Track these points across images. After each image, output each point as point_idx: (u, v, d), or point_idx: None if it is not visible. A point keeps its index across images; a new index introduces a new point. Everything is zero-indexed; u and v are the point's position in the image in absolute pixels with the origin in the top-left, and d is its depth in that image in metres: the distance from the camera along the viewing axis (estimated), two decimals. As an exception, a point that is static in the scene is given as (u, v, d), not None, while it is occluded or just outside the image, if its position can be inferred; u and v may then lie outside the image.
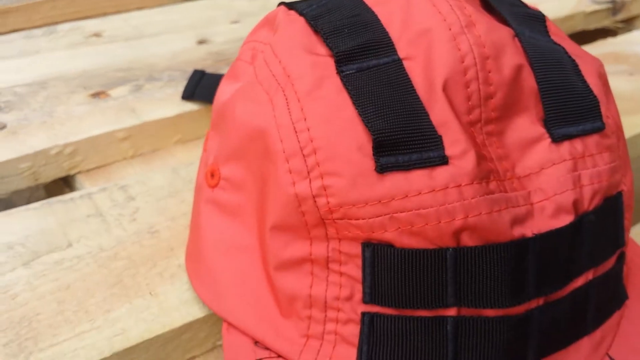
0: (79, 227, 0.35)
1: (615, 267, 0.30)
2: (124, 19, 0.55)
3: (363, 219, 0.25)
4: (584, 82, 0.29)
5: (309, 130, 0.26)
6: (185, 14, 0.56)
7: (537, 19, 0.31)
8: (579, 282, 0.28)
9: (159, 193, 0.38)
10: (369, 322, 0.26)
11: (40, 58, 0.49)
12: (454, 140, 0.26)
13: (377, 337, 0.26)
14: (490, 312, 0.26)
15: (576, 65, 0.29)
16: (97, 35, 0.53)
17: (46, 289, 0.31)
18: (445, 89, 0.26)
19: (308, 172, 0.26)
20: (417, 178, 0.25)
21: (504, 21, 0.29)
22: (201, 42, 0.52)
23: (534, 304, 0.26)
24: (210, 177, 0.31)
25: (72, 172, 0.42)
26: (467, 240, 0.25)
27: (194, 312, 0.31)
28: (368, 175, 0.25)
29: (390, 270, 0.26)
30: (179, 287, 0.32)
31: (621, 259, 0.30)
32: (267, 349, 0.28)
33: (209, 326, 0.31)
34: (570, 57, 0.29)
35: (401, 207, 0.25)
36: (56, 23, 0.54)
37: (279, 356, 0.28)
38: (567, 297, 0.27)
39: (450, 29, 0.27)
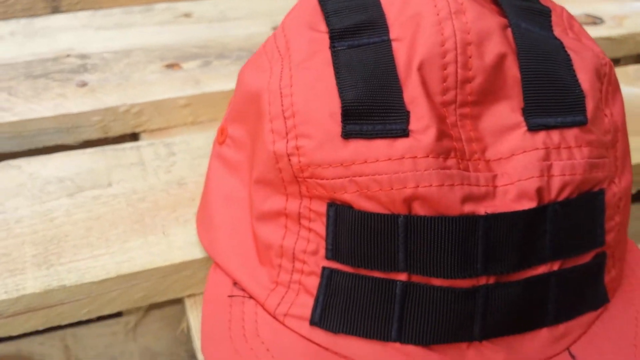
0: (122, 171, 0.40)
1: (590, 265, 0.30)
2: (214, 4, 0.61)
3: (327, 180, 0.28)
4: (574, 76, 0.29)
5: (292, 95, 0.29)
6: (267, 2, 0.60)
7: (542, 13, 0.31)
8: (540, 270, 0.28)
9: (197, 152, 0.42)
10: (327, 277, 0.29)
11: (132, 31, 0.56)
12: (420, 116, 0.27)
13: (332, 290, 0.29)
14: (437, 282, 0.28)
15: (569, 60, 0.30)
16: (186, 15, 0.59)
17: (80, 217, 0.37)
18: (420, 68, 0.28)
19: (286, 133, 0.29)
20: (378, 146, 0.27)
21: (502, 13, 0.30)
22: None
23: (482, 280, 0.28)
24: (220, 134, 0.35)
25: (137, 130, 0.48)
26: (419, 210, 0.27)
27: (196, 253, 0.35)
28: (334, 140, 0.28)
29: (349, 231, 0.28)
30: (189, 231, 0.36)
31: (600, 258, 0.30)
32: (242, 290, 0.32)
33: (208, 268, 0.35)
34: (565, 51, 0.30)
35: (360, 171, 0.27)
36: (155, 2, 0.61)
37: (250, 297, 0.31)
38: (521, 282, 0.28)
39: (438, 14, 0.29)
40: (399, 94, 0.28)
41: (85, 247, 0.35)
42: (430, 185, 0.27)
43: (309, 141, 0.28)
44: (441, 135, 0.27)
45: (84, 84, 0.48)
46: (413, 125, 0.27)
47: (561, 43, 0.30)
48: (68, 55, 0.51)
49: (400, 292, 0.28)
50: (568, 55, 0.30)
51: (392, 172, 0.27)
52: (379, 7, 0.31)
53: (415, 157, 0.27)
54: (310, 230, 0.29)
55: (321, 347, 0.29)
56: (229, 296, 0.31)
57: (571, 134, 0.29)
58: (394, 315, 0.28)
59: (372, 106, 0.27)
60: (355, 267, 0.28)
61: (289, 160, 0.29)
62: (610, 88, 0.31)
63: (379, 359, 0.28)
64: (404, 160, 0.27)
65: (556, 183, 0.28)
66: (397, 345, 0.28)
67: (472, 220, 0.27)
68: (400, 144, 0.27)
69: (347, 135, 0.27)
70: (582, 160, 0.29)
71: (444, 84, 0.28)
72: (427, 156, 0.27)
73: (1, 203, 0.37)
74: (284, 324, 0.30)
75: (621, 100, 0.32)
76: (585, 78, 0.29)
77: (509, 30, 0.29)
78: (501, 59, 0.29)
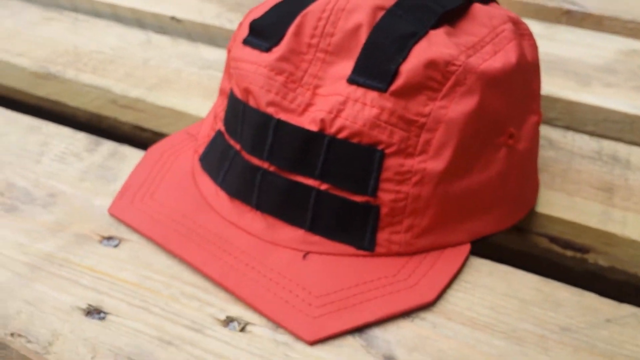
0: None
1: (356, 206, 0.37)
2: None
3: (231, 70, 0.42)
4: (402, 57, 0.36)
5: (248, 15, 0.44)
6: None
7: (432, 12, 0.38)
8: (308, 181, 0.38)
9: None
10: (215, 135, 0.44)
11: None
12: (282, 43, 0.39)
13: (213, 143, 0.44)
14: (245, 155, 0.40)
15: (408, 46, 0.36)
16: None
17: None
18: (304, 15, 0.39)
19: (235, 37, 0.44)
20: (250, 53, 0.40)
21: (396, 1, 0.39)
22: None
23: (265, 165, 0.39)
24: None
25: None
26: (250, 101, 0.40)
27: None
28: (239, 43, 0.42)
29: (227, 107, 0.42)
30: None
31: (369, 207, 0.37)
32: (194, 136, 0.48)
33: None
34: (414, 39, 0.37)
35: (237, 67, 0.41)
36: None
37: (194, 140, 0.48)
38: (290, 180, 0.38)
39: None
40: (285, 27, 0.40)
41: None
42: (255, 86, 0.39)
43: (234, 43, 0.43)
44: (282, 59, 0.39)
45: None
46: (275, 48, 0.39)
47: (414, 33, 0.37)
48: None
49: (231, 155, 0.41)
50: (414, 42, 0.36)
51: (245, 71, 0.40)
52: None
53: (259, 65, 0.39)
54: (223, 103, 0.44)
55: (191, 180, 0.44)
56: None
57: (371, 95, 0.36)
58: (224, 169, 0.41)
59: (264, 29, 0.41)
60: (225, 132, 0.43)
61: (228, 53, 0.44)
62: (458, 89, 0.36)
63: (210, 188, 0.42)
64: (252, 65, 0.40)
65: (338, 123, 0.37)
66: (219, 188, 0.42)
67: (267, 118, 0.38)
68: (259, 55, 0.40)
69: (244, 42, 0.41)
70: (367, 117, 0.36)
71: (314, 31, 0.39)
72: (265, 67, 0.39)
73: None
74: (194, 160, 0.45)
75: (473, 108, 0.36)
76: (413, 63, 0.36)
77: (381, 12, 0.38)
78: (358, 27, 0.38)
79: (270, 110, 0.38)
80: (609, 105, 0.55)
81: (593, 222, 0.43)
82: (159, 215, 0.41)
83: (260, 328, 0.34)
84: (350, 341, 0.34)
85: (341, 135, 0.37)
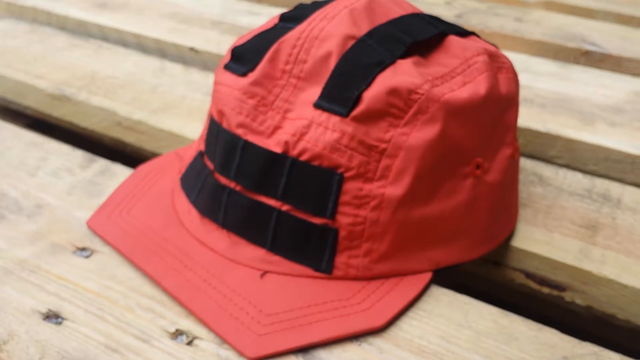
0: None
1: (315, 228, 0.37)
2: None
3: (213, 93, 0.44)
4: (366, 84, 0.37)
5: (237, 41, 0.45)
6: None
7: (401, 42, 0.39)
8: (270, 202, 0.38)
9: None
10: (196, 155, 0.45)
11: None
12: (257, 69, 0.41)
13: (193, 163, 0.45)
14: (215, 174, 0.41)
15: (373, 74, 0.37)
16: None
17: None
18: (281, 43, 0.40)
19: (221, 63, 0.45)
20: (229, 77, 0.42)
21: (366, 31, 0.39)
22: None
23: (232, 184, 0.40)
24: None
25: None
26: (224, 122, 0.41)
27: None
28: (221, 68, 0.43)
29: (207, 128, 0.44)
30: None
31: (328, 230, 0.37)
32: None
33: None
34: (380, 68, 0.37)
35: (215, 89, 0.43)
36: None
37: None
38: (253, 200, 0.39)
39: (324, 16, 0.40)
40: (262, 54, 0.41)
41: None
42: (228, 107, 0.40)
43: (219, 68, 0.44)
44: (255, 83, 0.40)
45: None
46: (250, 73, 0.41)
47: (381, 62, 0.37)
48: None
49: (205, 174, 0.42)
50: (379, 71, 0.37)
51: (221, 93, 0.41)
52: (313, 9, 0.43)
53: (233, 88, 0.41)
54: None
55: (169, 198, 0.45)
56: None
57: (333, 119, 0.37)
58: (198, 187, 0.43)
59: (243, 55, 0.42)
60: (204, 153, 0.44)
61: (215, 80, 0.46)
62: (420, 116, 0.37)
63: (184, 206, 0.43)
64: (227, 88, 0.41)
65: (300, 145, 0.37)
66: (192, 206, 0.43)
67: (235, 138, 0.39)
68: (235, 79, 0.41)
69: (225, 66, 0.43)
70: (328, 140, 0.37)
71: (288, 57, 0.40)
72: (238, 90, 0.40)
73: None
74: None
75: (434, 137, 0.36)
76: (375, 90, 0.36)
77: (352, 41, 0.39)
78: (328, 55, 0.39)
79: (240, 131, 0.39)
80: (610, 144, 0.54)
81: (569, 259, 0.42)
82: (131, 229, 0.42)
83: (206, 343, 0.35)
84: (291, 359, 0.34)
85: (303, 158, 0.37)
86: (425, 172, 0.37)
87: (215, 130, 0.42)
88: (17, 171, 0.49)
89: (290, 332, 0.35)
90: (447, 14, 0.85)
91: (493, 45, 0.44)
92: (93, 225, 0.43)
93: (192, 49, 0.71)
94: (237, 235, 0.40)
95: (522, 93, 0.63)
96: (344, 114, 0.37)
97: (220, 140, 0.41)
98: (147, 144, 0.57)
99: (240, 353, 0.34)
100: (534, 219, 0.45)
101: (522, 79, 0.67)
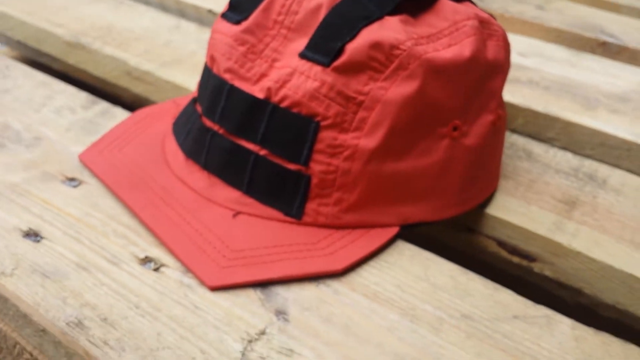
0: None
1: (289, 173, 0.39)
2: None
3: (209, 40, 0.45)
4: (350, 36, 0.38)
5: None
6: None
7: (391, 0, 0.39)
8: (249, 146, 0.40)
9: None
10: (190, 101, 0.47)
11: None
12: (250, 18, 0.42)
13: (186, 108, 0.46)
14: (202, 117, 0.42)
15: (358, 27, 0.38)
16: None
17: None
18: None
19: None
20: (222, 25, 0.43)
21: None
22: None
23: (216, 127, 0.41)
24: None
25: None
26: (214, 67, 0.42)
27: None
28: (219, 17, 0.45)
29: (201, 75, 0.45)
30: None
31: (301, 176, 0.38)
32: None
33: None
34: (366, 22, 0.38)
35: (211, 36, 0.44)
36: None
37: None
38: (234, 143, 0.40)
39: None
40: (257, 4, 0.42)
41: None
42: (219, 53, 0.42)
43: (217, 17, 0.46)
44: (246, 31, 0.41)
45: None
46: (244, 21, 0.42)
47: (370, 17, 0.38)
48: None
49: (194, 118, 0.44)
50: (365, 24, 0.38)
51: (215, 40, 0.43)
52: None
53: (226, 35, 0.42)
54: None
55: (160, 140, 0.46)
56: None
57: (315, 69, 0.38)
58: (187, 130, 0.44)
59: (239, 4, 0.43)
60: (196, 99, 0.45)
61: None
62: (401, 72, 0.37)
63: (172, 148, 0.44)
64: (221, 35, 0.42)
65: (282, 92, 0.38)
66: (179, 148, 0.44)
67: (222, 82, 0.41)
68: (229, 27, 0.42)
69: (222, 15, 0.44)
70: (308, 88, 0.38)
71: (281, 9, 0.41)
72: (230, 37, 0.41)
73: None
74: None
75: (412, 93, 0.37)
76: (359, 42, 0.37)
77: None
78: (318, 8, 0.40)
79: (227, 76, 0.41)
80: (608, 130, 0.54)
81: (541, 230, 0.42)
82: (119, 164, 0.43)
83: (172, 270, 0.36)
84: (250, 293, 0.35)
85: (283, 104, 0.38)
86: (401, 127, 0.38)
87: (206, 75, 0.43)
88: (23, 106, 0.52)
89: (251, 267, 0.36)
90: (469, -3, 0.85)
91: (489, 14, 0.44)
92: (84, 159, 0.44)
93: (210, 11, 0.72)
94: (217, 176, 0.41)
95: (529, 75, 0.63)
96: (326, 64, 0.38)
97: (209, 85, 0.42)
98: (153, 95, 0.59)
99: (201, 281, 0.35)
100: (515, 190, 0.46)
101: (533, 62, 0.67)
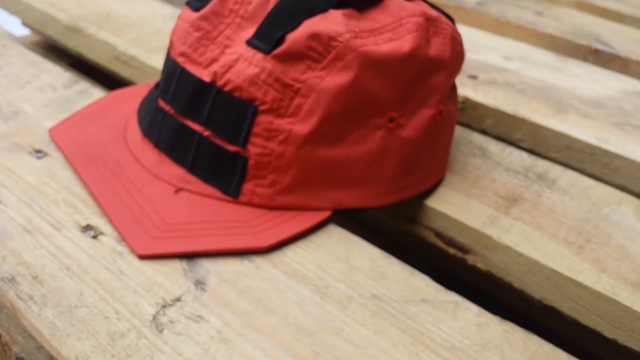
0: None
1: (227, 154, 0.41)
2: None
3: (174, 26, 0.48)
4: (292, 26, 0.40)
5: None
6: None
7: None
8: (195, 126, 0.42)
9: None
10: (156, 83, 0.49)
11: None
12: (208, 5, 0.44)
13: (151, 91, 0.49)
14: (158, 98, 0.45)
15: (299, 19, 0.40)
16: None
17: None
18: None
19: None
20: (185, 11, 0.45)
21: None
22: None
23: (167, 107, 0.43)
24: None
25: None
26: (172, 51, 0.45)
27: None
28: (185, 4, 0.47)
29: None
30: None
31: (238, 158, 0.40)
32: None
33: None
34: (308, 14, 0.40)
35: (175, 23, 0.46)
36: None
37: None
38: (181, 123, 0.42)
39: None
40: None
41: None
42: (175, 37, 0.44)
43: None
44: (203, 18, 0.43)
45: None
46: (203, 9, 0.44)
47: (314, 9, 0.40)
48: None
49: (153, 98, 0.46)
50: (308, 16, 0.40)
51: (176, 25, 0.45)
52: None
53: (184, 21, 0.44)
54: None
55: (126, 120, 0.49)
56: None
57: (258, 56, 0.40)
58: (146, 109, 0.47)
59: None
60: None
61: None
62: (337, 63, 0.39)
63: (134, 128, 0.47)
64: (181, 21, 0.45)
65: (226, 76, 0.41)
66: (138, 128, 0.47)
67: (176, 65, 0.43)
68: (189, 13, 0.44)
69: (186, 3, 0.46)
70: (249, 74, 0.40)
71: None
72: (187, 23, 0.44)
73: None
74: None
75: (346, 84, 0.39)
76: (299, 33, 0.39)
77: None
78: None
79: (180, 59, 0.43)
80: (574, 133, 0.55)
81: (475, 223, 0.43)
82: (82, 140, 0.46)
83: (108, 238, 0.39)
84: (177, 264, 0.37)
85: (226, 88, 0.40)
86: (334, 115, 0.39)
87: (166, 59, 0.46)
88: (10, 83, 0.55)
89: (181, 240, 0.38)
90: (469, 0, 0.86)
91: (447, 16, 0.45)
92: (52, 133, 0.47)
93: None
94: (166, 154, 0.43)
95: (507, 78, 0.64)
96: (266, 52, 0.40)
97: (166, 68, 0.45)
98: (138, 79, 0.62)
99: (131, 249, 0.38)
100: (459, 185, 0.47)
101: (515, 65, 0.67)
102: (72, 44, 0.68)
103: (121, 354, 0.31)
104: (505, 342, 0.34)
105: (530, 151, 0.56)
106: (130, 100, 0.52)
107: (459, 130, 0.55)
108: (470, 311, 0.36)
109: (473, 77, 0.63)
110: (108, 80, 0.68)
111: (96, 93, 0.54)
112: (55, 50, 0.76)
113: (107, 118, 0.49)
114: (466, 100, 0.59)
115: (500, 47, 0.73)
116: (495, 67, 0.66)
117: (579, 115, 0.58)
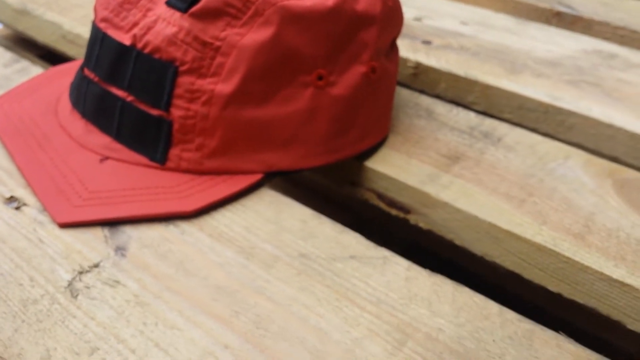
0: None
1: (151, 119, 0.40)
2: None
3: None
4: None
5: None
6: None
7: None
8: (119, 93, 0.41)
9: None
10: None
11: None
12: None
13: None
14: (84, 68, 0.44)
15: None
16: None
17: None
18: None
19: None
20: None
21: None
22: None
23: (92, 75, 0.42)
24: None
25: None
26: (96, 18, 0.44)
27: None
28: None
29: None
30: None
31: (162, 122, 0.39)
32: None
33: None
34: None
35: None
36: None
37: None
38: (105, 89, 0.41)
39: None
40: None
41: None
42: (98, 4, 0.43)
43: None
44: None
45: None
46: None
47: None
48: None
49: (81, 66, 0.45)
50: None
51: (98, -7, 0.44)
52: None
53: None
54: None
55: (59, 94, 0.48)
56: None
57: (175, 15, 0.39)
58: (75, 81, 0.45)
59: None
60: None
61: None
62: (257, 19, 0.38)
63: (65, 100, 0.46)
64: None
65: (145, 38, 0.39)
66: (69, 100, 0.46)
67: (98, 32, 0.42)
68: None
69: None
70: (167, 34, 0.39)
71: None
72: (108, -7, 0.43)
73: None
74: None
75: (267, 39, 0.38)
76: None
77: None
78: None
79: (102, 25, 0.42)
80: (527, 93, 0.54)
81: (413, 181, 0.42)
82: (13, 114, 0.45)
83: (30, 209, 0.38)
84: (97, 231, 0.36)
85: (146, 50, 0.39)
86: (257, 73, 0.38)
87: (91, 28, 0.44)
88: (-51, 64, 0.54)
89: (102, 207, 0.37)
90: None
91: None
92: (-15, 109, 0.46)
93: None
94: (92, 123, 0.42)
95: (462, 42, 0.63)
96: (183, 10, 0.38)
97: (90, 36, 0.43)
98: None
99: (52, 218, 0.37)
100: (401, 146, 0.46)
101: (472, 30, 0.66)
102: (22, 27, 0.67)
103: (32, 319, 0.30)
104: (433, 294, 0.33)
105: (484, 113, 0.55)
106: (67, 75, 0.51)
107: (408, 94, 0.54)
108: (400, 266, 0.35)
109: (427, 43, 0.62)
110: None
111: (35, 71, 0.53)
112: (24, 43, 0.74)
113: (41, 93, 0.48)
114: (418, 65, 0.58)
115: (459, 13, 0.71)
116: (451, 32, 0.65)
117: (533, 75, 0.57)
